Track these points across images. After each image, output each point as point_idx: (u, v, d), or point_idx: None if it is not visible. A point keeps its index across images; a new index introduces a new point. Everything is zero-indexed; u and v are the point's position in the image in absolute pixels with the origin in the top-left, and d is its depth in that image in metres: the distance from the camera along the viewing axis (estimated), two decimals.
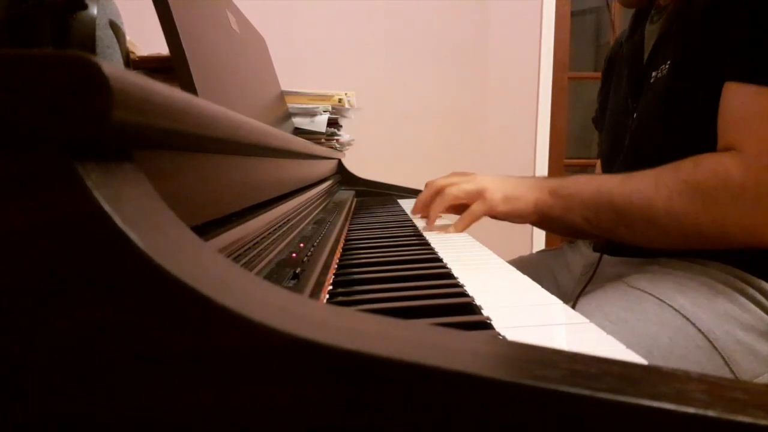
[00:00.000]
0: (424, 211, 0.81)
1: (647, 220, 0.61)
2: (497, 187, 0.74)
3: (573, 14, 2.41)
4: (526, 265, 0.88)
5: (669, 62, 0.66)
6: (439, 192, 0.78)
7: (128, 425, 0.15)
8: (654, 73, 0.69)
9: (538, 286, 0.47)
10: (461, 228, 0.76)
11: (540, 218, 0.73)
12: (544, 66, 2.36)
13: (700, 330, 0.55)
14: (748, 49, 0.57)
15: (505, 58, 2.34)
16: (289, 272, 0.38)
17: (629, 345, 0.32)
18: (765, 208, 0.56)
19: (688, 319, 0.56)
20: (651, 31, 0.74)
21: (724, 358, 0.55)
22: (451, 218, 0.92)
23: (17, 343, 0.15)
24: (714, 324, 0.56)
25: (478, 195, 0.74)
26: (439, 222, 0.88)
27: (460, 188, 0.76)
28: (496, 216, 0.75)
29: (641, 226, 0.62)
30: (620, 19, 2.51)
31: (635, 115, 0.73)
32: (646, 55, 0.74)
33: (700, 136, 0.61)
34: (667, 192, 0.60)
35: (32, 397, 0.15)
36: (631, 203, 0.62)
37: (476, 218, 0.75)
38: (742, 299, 0.58)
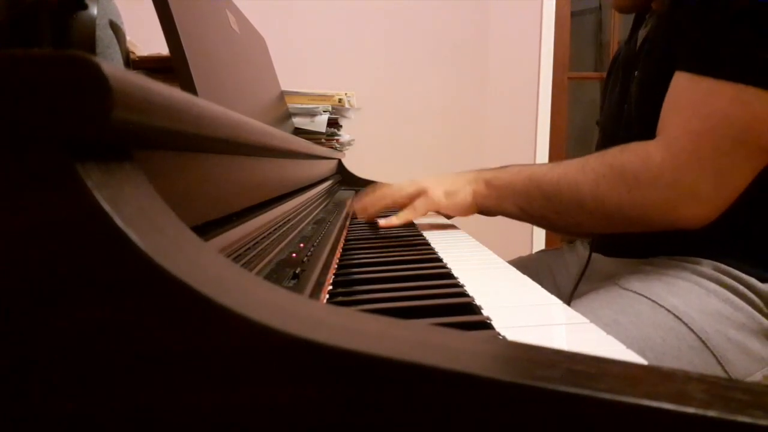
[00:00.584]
0: (364, 213, 0.84)
1: (575, 204, 0.63)
2: (437, 185, 0.77)
3: (573, 14, 2.41)
4: (527, 265, 0.88)
5: (643, 62, 0.68)
6: (379, 197, 0.81)
7: (128, 425, 0.15)
8: (636, 74, 0.70)
9: (538, 286, 0.47)
10: (399, 221, 0.78)
11: (479, 209, 0.75)
12: (544, 66, 2.36)
13: (692, 330, 0.55)
14: (687, 42, 0.58)
15: (505, 58, 2.34)
16: (289, 272, 0.38)
17: None
18: (682, 189, 0.57)
19: (680, 319, 0.56)
20: (642, 35, 0.76)
21: (716, 358, 0.55)
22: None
23: (17, 343, 0.15)
24: (706, 323, 0.56)
25: (420, 194, 0.77)
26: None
27: (401, 192, 0.79)
28: (440, 211, 0.79)
29: (570, 210, 0.64)
30: (620, 20, 2.51)
31: (624, 116, 0.74)
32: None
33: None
34: (593, 176, 0.62)
35: (32, 396, 0.15)
36: (560, 189, 0.64)
37: (418, 214, 0.77)
38: (734, 298, 0.58)
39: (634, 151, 0.60)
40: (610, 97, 0.82)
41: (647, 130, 0.62)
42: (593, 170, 0.62)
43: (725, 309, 0.57)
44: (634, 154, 0.60)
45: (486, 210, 0.76)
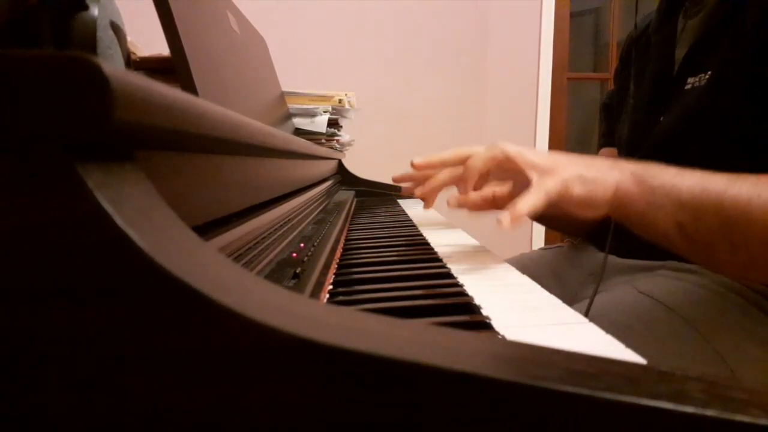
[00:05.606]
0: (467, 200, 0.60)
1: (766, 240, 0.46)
2: (568, 163, 0.54)
3: (572, 15, 2.41)
4: (527, 263, 0.87)
5: (710, 72, 0.60)
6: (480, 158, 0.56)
7: (128, 425, 0.15)
8: (691, 80, 0.63)
9: (538, 286, 0.47)
10: (528, 208, 0.51)
11: (615, 212, 0.54)
12: (543, 66, 2.37)
13: (708, 342, 0.53)
14: None
15: (504, 58, 2.35)
16: (289, 272, 0.38)
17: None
18: None
19: (697, 330, 0.54)
20: (687, 28, 0.68)
21: (732, 372, 0.52)
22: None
23: (17, 342, 0.15)
24: (724, 336, 0.53)
25: (548, 171, 0.53)
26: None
27: (524, 157, 0.54)
28: (564, 201, 0.53)
29: (755, 243, 0.46)
30: (619, 20, 2.51)
31: (662, 118, 0.68)
32: (679, 53, 0.68)
33: (739, 153, 0.57)
34: None
35: (32, 397, 0.15)
36: (750, 211, 0.46)
37: (548, 197, 0.52)
38: (756, 311, 0.55)
39: None
40: (638, 86, 0.75)
41: (709, 145, 0.57)
42: None
43: (744, 322, 0.55)
44: None
45: (623, 216, 0.54)
